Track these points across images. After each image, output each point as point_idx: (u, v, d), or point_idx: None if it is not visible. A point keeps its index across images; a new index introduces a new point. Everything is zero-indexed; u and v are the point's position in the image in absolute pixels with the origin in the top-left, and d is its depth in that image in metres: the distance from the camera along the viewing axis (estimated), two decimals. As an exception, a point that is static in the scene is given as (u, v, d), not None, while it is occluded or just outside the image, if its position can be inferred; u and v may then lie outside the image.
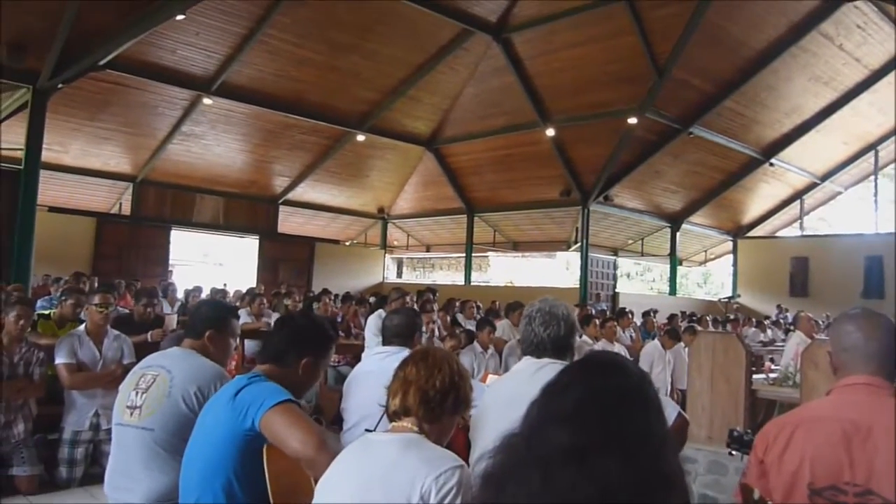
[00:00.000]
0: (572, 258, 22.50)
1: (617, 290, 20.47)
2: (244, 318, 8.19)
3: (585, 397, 1.25)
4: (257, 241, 20.38)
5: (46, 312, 6.48)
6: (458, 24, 15.56)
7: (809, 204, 22.73)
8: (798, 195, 22.07)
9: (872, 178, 21.33)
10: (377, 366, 3.39)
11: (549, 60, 16.07)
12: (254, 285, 15.82)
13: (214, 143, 17.50)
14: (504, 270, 25.48)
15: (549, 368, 2.53)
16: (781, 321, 16.34)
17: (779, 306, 19.16)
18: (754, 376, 6.17)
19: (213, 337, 3.09)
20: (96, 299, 5.32)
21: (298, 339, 2.54)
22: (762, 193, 21.36)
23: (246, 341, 7.58)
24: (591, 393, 1.26)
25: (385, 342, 3.71)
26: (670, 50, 14.36)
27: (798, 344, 7.65)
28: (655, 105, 15.54)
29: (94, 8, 10.34)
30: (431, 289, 11.22)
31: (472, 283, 22.31)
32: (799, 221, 22.84)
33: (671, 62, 14.52)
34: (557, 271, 25.24)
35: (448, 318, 9.65)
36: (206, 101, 15.64)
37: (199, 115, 16.32)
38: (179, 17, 12.36)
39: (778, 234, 23.48)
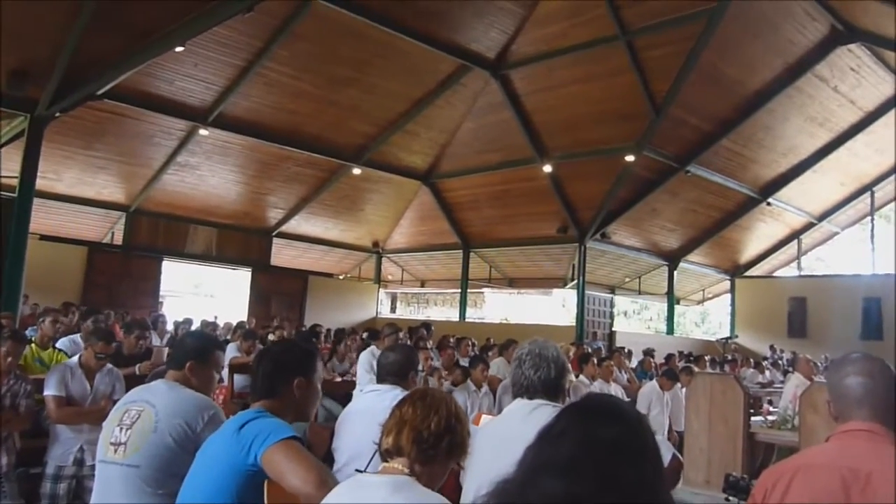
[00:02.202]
0: (569, 295, 22.49)
1: (614, 329, 20.42)
2: (233, 352, 8.14)
3: (581, 446, 1.25)
4: (250, 274, 20.34)
5: (32, 339, 6.45)
6: (457, 59, 15.76)
7: (807, 244, 22.85)
8: (795, 235, 22.20)
9: (869, 218, 21.48)
10: (370, 404, 3.36)
11: (547, 97, 16.26)
12: (244, 318, 15.73)
13: (209, 174, 17.55)
14: (499, 307, 25.43)
15: (542, 410, 2.53)
16: (780, 362, 16.29)
17: (772, 347, 19.14)
18: (752, 419, 6.14)
19: (195, 368, 3.06)
20: (99, 346, 5.23)
21: (280, 366, 2.54)
22: (760, 233, 21.48)
23: (236, 376, 7.52)
24: (586, 442, 1.25)
25: (379, 380, 3.68)
26: (667, 89, 14.55)
27: (797, 386, 7.62)
28: (653, 143, 15.68)
29: (96, 37, 10.45)
30: (426, 324, 11.17)
31: (466, 320, 22.23)
32: (797, 261, 22.93)
33: (668, 101, 14.69)
34: (553, 309, 25.20)
35: (454, 357, 9.54)
36: (203, 131, 15.73)
37: (194, 146, 16.39)
38: (179, 49, 12.49)
39: (776, 273, 23.55)
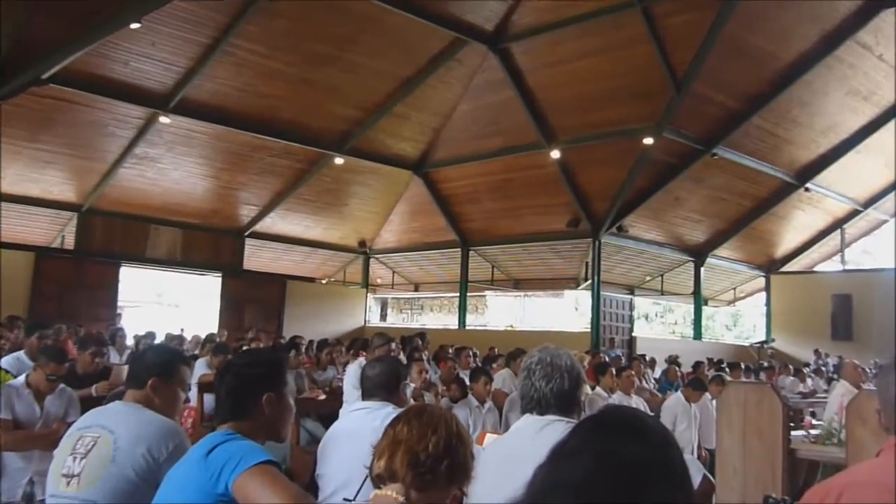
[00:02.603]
0: (582, 297, 22.51)
1: (634, 334, 20.45)
2: (202, 368, 8.13)
3: (597, 466, 1.24)
4: (220, 280, 20.32)
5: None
6: (451, 32, 15.75)
7: (851, 234, 22.88)
8: (838, 224, 22.23)
9: (921, 204, 21.53)
10: (357, 424, 3.36)
11: (553, 73, 16.25)
12: (215, 330, 15.72)
13: (172, 168, 17.52)
14: (504, 312, 25.45)
15: (554, 427, 2.53)
16: (823, 369, 16.33)
17: (817, 351, 19.16)
18: (793, 433, 6.14)
19: (157, 386, 3.05)
20: (50, 368, 5.20)
21: (245, 382, 2.54)
22: (797, 223, 21.51)
23: (206, 396, 7.50)
24: (604, 461, 1.24)
25: (365, 395, 3.69)
26: (689, 61, 14.55)
27: (843, 395, 7.63)
28: (674, 123, 15.69)
29: (40, 14, 10.43)
30: (421, 334, 11.19)
31: (467, 327, 22.25)
32: (840, 254, 22.96)
33: (691, 75, 14.69)
34: (565, 313, 25.22)
35: (454, 369, 9.53)
36: (163, 119, 15.70)
37: (154, 136, 16.36)
38: (134, 26, 12.46)
39: (816, 268, 23.60)
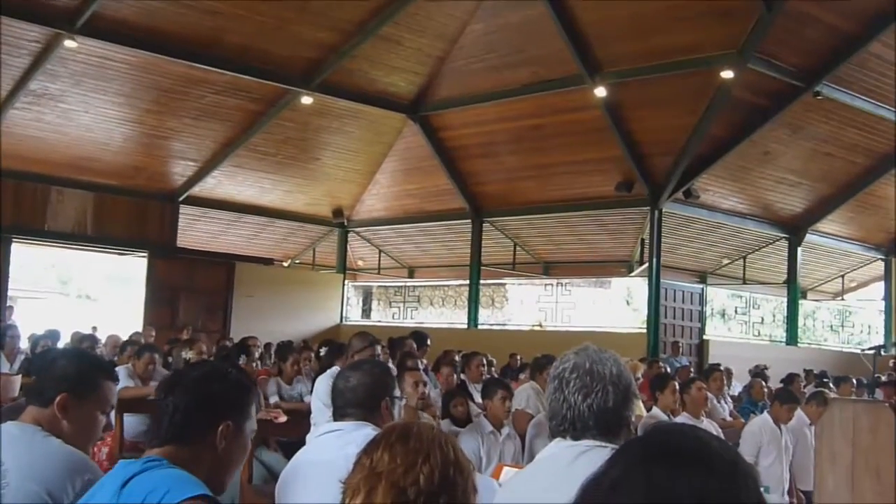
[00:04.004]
0: (636, 287, 22.49)
1: (705, 337, 20.47)
2: (124, 379, 8.16)
3: (645, 502, 1.25)
4: (145, 261, 20.35)
5: None
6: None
7: None
8: (985, 189, 22.17)
9: None
10: (326, 453, 3.38)
11: (600, -19, 16.21)
12: (139, 329, 15.78)
13: (80, 109, 17.54)
14: (530, 306, 25.44)
15: (593, 455, 2.53)
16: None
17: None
18: (919, 470, 6.17)
19: (69, 405, 3.06)
20: None
21: (203, 401, 2.56)
22: (929, 187, 21.45)
23: (126, 416, 7.54)
24: (654, 497, 1.25)
25: (337, 414, 3.70)
26: (785, -35, 14.51)
27: None
28: (763, 51, 15.61)
29: None
30: (419, 334, 11.18)
31: (479, 327, 22.29)
32: None
33: (787, -16, 14.66)
34: (613, 307, 25.21)
35: (454, 378, 9.60)
36: (69, 43, 15.65)
37: (56, 66, 16.34)
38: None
39: (955, 249, 23.55)
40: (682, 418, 7.97)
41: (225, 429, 2.52)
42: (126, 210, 20.02)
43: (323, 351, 9.91)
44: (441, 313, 25.31)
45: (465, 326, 22.06)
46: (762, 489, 1.34)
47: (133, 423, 7.69)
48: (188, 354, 9.13)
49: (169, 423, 2.53)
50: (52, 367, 3.22)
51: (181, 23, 16.21)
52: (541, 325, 22.78)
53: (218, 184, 20.70)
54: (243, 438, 2.61)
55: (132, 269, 20.91)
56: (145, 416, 8.14)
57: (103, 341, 13.20)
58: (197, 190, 20.60)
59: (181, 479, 2.33)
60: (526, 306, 24.98)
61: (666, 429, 1.42)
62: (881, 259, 23.47)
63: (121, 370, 8.49)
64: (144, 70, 17.08)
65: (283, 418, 8.12)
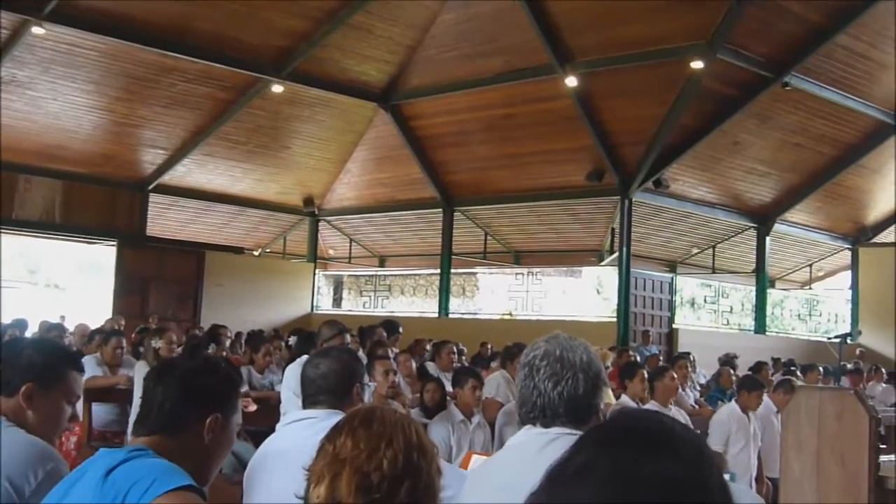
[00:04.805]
0: (606, 276, 22.58)
1: (675, 326, 20.57)
2: (92, 369, 8.10)
3: (611, 490, 1.23)
4: (115, 250, 20.23)
5: None
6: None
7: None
8: (951, 180, 22.37)
9: None
10: (294, 441, 3.36)
11: (571, -29, 16.21)
12: (109, 317, 15.69)
13: (49, 96, 17.40)
14: (501, 295, 25.48)
15: (562, 442, 2.53)
16: (926, 373, 16.51)
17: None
18: (883, 457, 6.21)
19: (35, 395, 3.04)
20: None
21: (193, 392, 2.55)
22: (896, 177, 21.64)
23: (94, 406, 7.50)
24: (619, 483, 1.23)
25: (307, 402, 3.69)
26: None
27: (949, 407, 7.73)
28: (733, 41, 15.68)
29: None
30: (390, 322, 11.16)
31: (450, 315, 22.31)
32: (953, 220, 23.10)
33: (756, -25, 14.72)
34: (584, 296, 25.30)
35: (413, 365, 9.64)
36: (37, 29, 15.54)
37: (24, 52, 16.22)
38: None
39: (920, 239, 23.75)
40: (651, 406, 8.01)
41: (213, 421, 2.52)
42: (95, 198, 19.89)
43: (292, 340, 9.89)
44: (412, 302, 25.33)
45: (436, 315, 22.08)
46: (728, 476, 1.34)
47: (101, 412, 7.65)
48: (158, 343, 9.04)
49: (157, 413, 2.52)
50: (18, 357, 3.20)
51: (151, 10, 16.10)
52: (511, 314, 22.84)
53: (188, 172, 20.60)
54: (230, 431, 2.61)
55: (101, 257, 20.76)
56: (114, 405, 8.10)
57: (72, 330, 13.12)
58: (167, 178, 20.50)
59: (167, 469, 2.32)
60: (497, 295, 25.05)
61: (631, 414, 1.42)
62: (848, 248, 23.62)
63: (89, 359, 8.45)
64: (114, 57, 16.97)
65: (252, 407, 8.09)
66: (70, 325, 13.87)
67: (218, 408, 2.55)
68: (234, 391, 2.68)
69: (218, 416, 2.53)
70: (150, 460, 2.36)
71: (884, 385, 14.38)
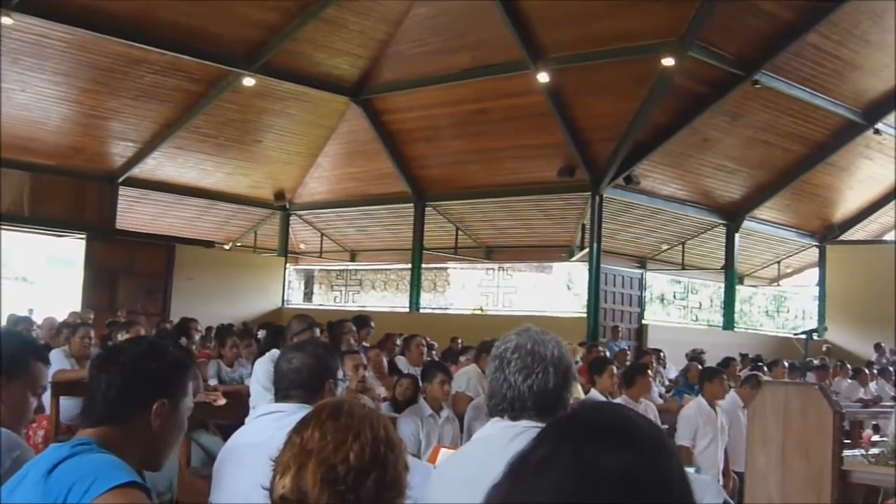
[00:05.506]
0: (577, 272, 22.65)
1: (644, 321, 20.67)
2: (60, 361, 8.05)
3: (573, 482, 1.23)
4: (84, 243, 20.11)
5: None
6: None
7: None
8: (917, 178, 22.55)
9: None
10: (266, 434, 3.35)
11: (543, -34, 16.23)
12: (72, 311, 15.59)
13: (17, 88, 17.24)
14: (472, 291, 25.50)
15: (529, 436, 2.53)
16: (891, 369, 16.65)
17: (879, 346, 19.47)
18: (847, 451, 6.27)
19: (1, 386, 3.03)
20: None
21: (136, 377, 2.52)
22: (863, 175, 21.79)
23: (62, 399, 7.45)
24: (581, 475, 1.24)
25: (279, 396, 3.68)
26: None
27: (912, 402, 7.82)
28: (704, 39, 15.75)
29: None
30: (361, 317, 11.14)
31: (421, 310, 22.31)
32: (918, 218, 23.31)
33: (727, -27, 14.79)
34: (554, 292, 25.37)
35: (384, 360, 9.64)
36: (5, 20, 15.35)
37: (-9, 43, 16.03)
38: None
39: (887, 236, 23.93)
40: (621, 401, 8.05)
41: (160, 407, 2.48)
42: (64, 191, 19.74)
43: (261, 334, 9.88)
44: (383, 297, 25.31)
45: (407, 310, 22.06)
46: (693, 470, 1.35)
47: (69, 406, 7.58)
48: (125, 337, 9.00)
49: (102, 401, 2.49)
50: (-18, 349, 3.18)
51: (120, 1, 15.98)
52: (482, 309, 22.86)
53: (158, 165, 20.47)
54: (179, 417, 2.57)
55: (70, 250, 20.60)
56: (82, 399, 8.04)
57: (40, 323, 13.03)
58: (137, 171, 20.37)
59: (108, 465, 2.29)
60: (468, 290, 25.08)
61: (592, 406, 1.42)
62: (816, 246, 23.80)
63: (57, 352, 8.40)
64: (83, 49, 16.84)
65: (221, 401, 8.07)
66: (39, 319, 13.77)
67: (164, 393, 2.52)
68: (183, 376, 2.63)
69: (164, 402, 2.50)
70: (92, 456, 2.33)
71: (849, 381, 14.50)
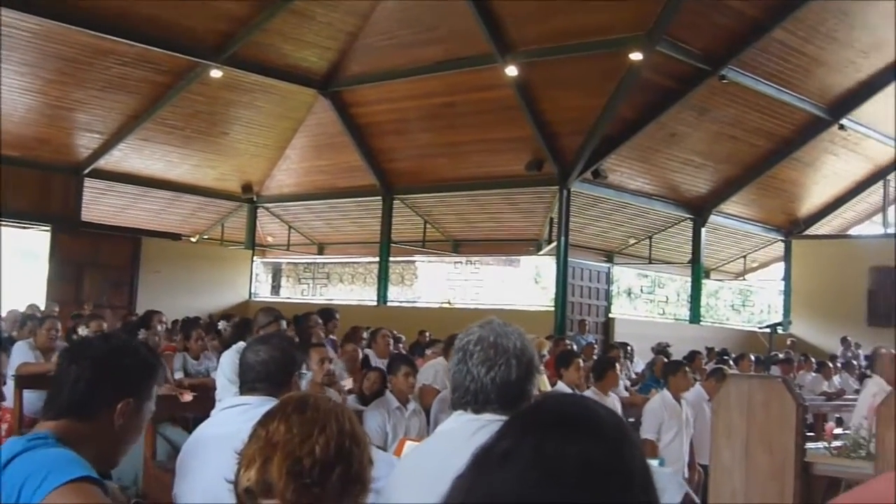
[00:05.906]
0: (544, 266, 22.69)
1: (611, 315, 20.76)
2: (24, 354, 8.00)
3: (536, 472, 1.25)
4: (48, 235, 19.98)
5: None
6: None
7: (897, 187, 23.45)
8: (882, 174, 22.75)
9: None
10: (229, 426, 3.33)
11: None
12: (35, 303, 15.47)
13: (-20, 78, 17.03)
14: (439, 284, 25.50)
15: (493, 429, 2.54)
16: (854, 363, 16.82)
17: (844, 340, 19.65)
18: (810, 444, 6.33)
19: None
20: None
21: (106, 373, 2.50)
22: (828, 171, 21.98)
23: (26, 392, 7.39)
24: (544, 465, 1.25)
25: (244, 389, 3.66)
26: (693, -50, 14.69)
27: (875, 395, 7.88)
28: (671, 34, 15.81)
29: None
30: (326, 310, 11.13)
31: (388, 304, 22.30)
32: (882, 214, 23.51)
33: (694, -31, 14.86)
34: (522, 285, 25.40)
35: (356, 355, 9.61)
36: (-32, 9, 15.25)
37: (-46, 32, 15.85)
38: None
39: (851, 231, 24.16)
40: (589, 394, 8.08)
41: (125, 406, 2.47)
42: (29, 183, 19.55)
43: (221, 324, 9.84)
44: (351, 290, 25.25)
45: (375, 303, 22.07)
46: (657, 462, 1.35)
47: (33, 398, 7.51)
48: (85, 331, 8.93)
49: (70, 393, 2.47)
50: (-57, 341, 3.16)
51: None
52: (450, 303, 22.87)
53: (124, 157, 20.34)
54: (141, 418, 2.57)
55: (34, 243, 20.41)
56: (46, 392, 7.98)
57: (3, 316, 12.92)
58: (103, 163, 20.23)
59: (62, 460, 2.27)
60: (435, 284, 25.05)
61: (555, 398, 1.43)
62: (781, 240, 23.99)
63: (21, 345, 8.34)
64: (49, 39, 16.70)
65: (188, 397, 8.02)
66: (2, 311, 13.65)
67: (131, 392, 2.51)
68: (151, 377, 2.63)
69: (130, 401, 2.49)
70: (47, 451, 2.31)
71: (813, 374, 14.63)
